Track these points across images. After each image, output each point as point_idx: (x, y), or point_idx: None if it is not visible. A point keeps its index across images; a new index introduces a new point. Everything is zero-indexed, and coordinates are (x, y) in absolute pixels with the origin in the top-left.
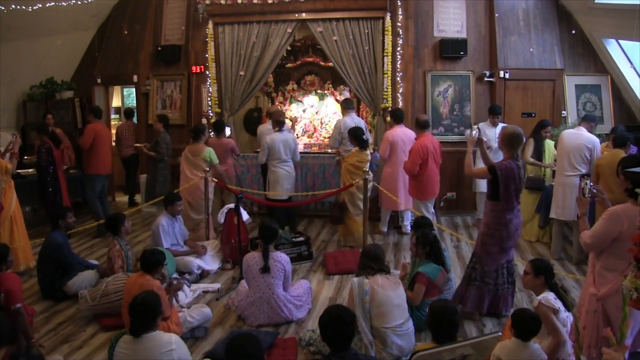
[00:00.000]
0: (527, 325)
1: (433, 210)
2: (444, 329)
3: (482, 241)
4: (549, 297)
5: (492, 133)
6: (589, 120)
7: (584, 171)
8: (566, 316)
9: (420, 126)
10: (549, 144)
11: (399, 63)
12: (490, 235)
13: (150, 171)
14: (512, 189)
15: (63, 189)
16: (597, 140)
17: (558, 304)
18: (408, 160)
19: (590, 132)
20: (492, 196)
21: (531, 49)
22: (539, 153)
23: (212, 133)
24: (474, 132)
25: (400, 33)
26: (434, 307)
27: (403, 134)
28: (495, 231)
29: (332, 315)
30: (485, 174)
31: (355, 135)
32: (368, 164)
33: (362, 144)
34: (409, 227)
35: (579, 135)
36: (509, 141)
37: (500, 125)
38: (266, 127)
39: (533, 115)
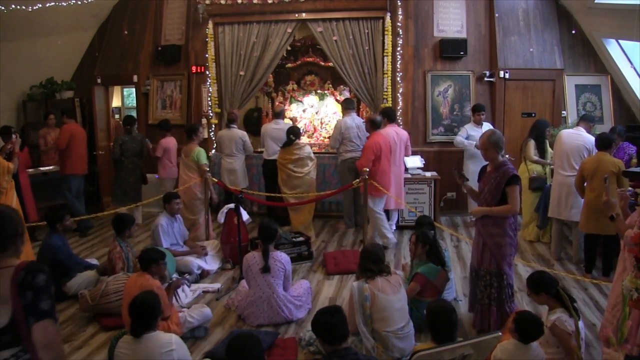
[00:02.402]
0: (532, 329)
1: (382, 209)
2: (442, 328)
3: (506, 253)
4: (562, 318)
5: (478, 134)
6: (587, 120)
7: None
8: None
9: (374, 126)
10: (546, 142)
11: (399, 63)
12: (511, 245)
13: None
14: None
15: (27, 195)
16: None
17: (571, 325)
18: (362, 157)
19: (589, 132)
20: (502, 203)
21: (531, 49)
22: (542, 152)
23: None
24: (465, 182)
25: (400, 33)
26: (431, 307)
27: (395, 132)
28: (514, 237)
29: (323, 311)
30: (515, 192)
31: (286, 132)
32: (297, 164)
33: (286, 142)
34: (393, 227)
35: (578, 136)
36: (496, 144)
37: (485, 124)
38: (270, 126)
39: (533, 115)
